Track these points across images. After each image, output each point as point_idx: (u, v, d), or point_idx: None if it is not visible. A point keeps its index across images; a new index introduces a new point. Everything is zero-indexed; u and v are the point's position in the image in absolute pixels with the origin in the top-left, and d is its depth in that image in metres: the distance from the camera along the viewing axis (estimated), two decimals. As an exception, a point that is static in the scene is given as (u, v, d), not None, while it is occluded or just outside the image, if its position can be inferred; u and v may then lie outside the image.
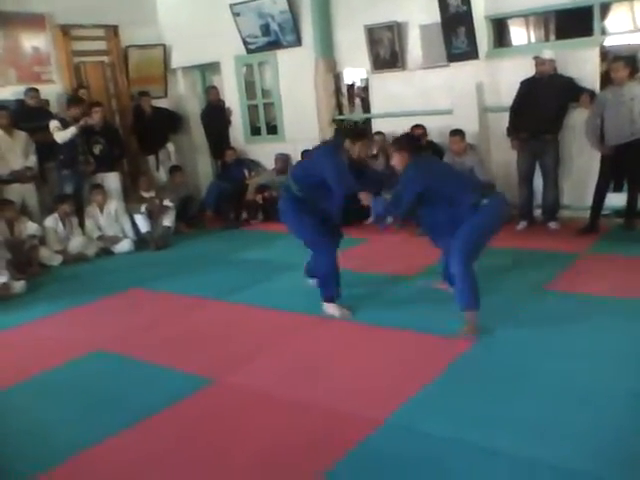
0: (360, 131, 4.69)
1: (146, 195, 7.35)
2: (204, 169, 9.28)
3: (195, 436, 2.95)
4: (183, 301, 5.04)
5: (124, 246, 7.00)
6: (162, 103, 8.87)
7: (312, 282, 4.72)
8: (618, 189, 6.05)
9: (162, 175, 8.30)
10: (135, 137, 8.37)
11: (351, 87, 8.69)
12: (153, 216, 7.24)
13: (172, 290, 5.33)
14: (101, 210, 7.03)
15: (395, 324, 4.03)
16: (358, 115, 7.92)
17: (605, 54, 6.29)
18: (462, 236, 3.70)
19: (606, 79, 6.02)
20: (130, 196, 7.60)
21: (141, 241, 7.11)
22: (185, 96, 9.25)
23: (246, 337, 4.15)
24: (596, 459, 2.46)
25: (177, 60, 8.99)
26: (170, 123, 8.77)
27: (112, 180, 7.43)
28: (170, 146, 8.59)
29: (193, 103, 9.28)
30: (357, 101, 8.45)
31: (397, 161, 3.99)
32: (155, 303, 5.08)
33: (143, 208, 7.16)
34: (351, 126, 4.81)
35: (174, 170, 8.17)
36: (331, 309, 4.34)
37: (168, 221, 7.30)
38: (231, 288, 5.18)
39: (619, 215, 5.94)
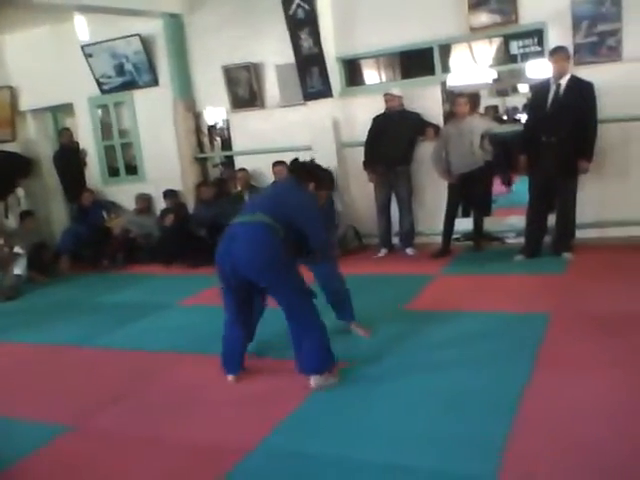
0: (330, 177, 3.95)
1: (-6, 243, 6.84)
2: (58, 214, 8.82)
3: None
4: (39, 350, 4.70)
5: (-31, 298, 6.44)
6: (10, 147, 8.40)
7: None
8: (466, 214, 6.52)
9: (11, 221, 7.80)
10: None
11: (212, 126, 8.75)
12: (2, 265, 6.73)
13: (25, 340, 4.95)
14: (-59, 261, 6.45)
15: (261, 353, 4.01)
16: (219, 153, 7.96)
17: (449, 92, 6.85)
18: None
19: (449, 114, 6.54)
20: (-24, 245, 7.04)
21: (-12, 292, 6.57)
22: (36, 139, 8.80)
23: (108, 381, 3.93)
24: (460, 460, 2.59)
25: (26, 102, 8.58)
26: (19, 168, 8.29)
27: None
28: (19, 191, 8.14)
29: (45, 146, 8.85)
30: (217, 140, 8.52)
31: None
32: (6, 355, 4.69)
33: (-10, 256, 6.66)
34: (316, 168, 4.06)
35: (25, 215, 7.71)
36: (326, 379, 3.44)
37: (19, 269, 6.79)
38: (92, 333, 4.91)
39: (468, 238, 6.38)
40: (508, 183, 9.09)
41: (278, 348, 3.98)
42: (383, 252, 6.50)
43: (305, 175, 3.73)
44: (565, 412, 2.88)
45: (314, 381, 3.39)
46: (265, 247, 3.32)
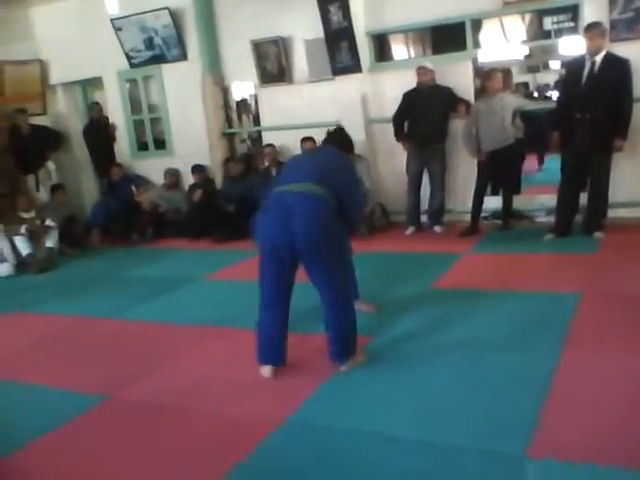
0: (352, 144, 3.92)
1: (26, 216, 6.96)
2: (88, 187, 8.93)
3: (93, 451, 2.82)
4: (72, 321, 4.80)
5: (3, 270, 6.58)
6: (41, 120, 8.47)
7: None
8: (495, 193, 6.45)
9: (43, 195, 7.91)
10: (12, 156, 7.92)
11: (242, 101, 8.74)
12: (34, 237, 6.86)
13: (60, 312, 5.06)
14: (-24, 233, 6.59)
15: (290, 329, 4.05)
16: (247, 128, 7.95)
17: (479, 68, 6.73)
18: None
19: (480, 90, 6.44)
20: (8, 218, 7.16)
21: (22, 264, 6.70)
22: (66, 113, 8.87)
23: (139, 353, 4.00)
24: (481, 437, 2.60)
25: (56, 76, 8.62)
26: (50, 141, 8.38)
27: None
28: (50, 164, 8.23)
29: (75, 120, 8.92)
30: (249, 116, 8.51)
31: None
32: (41, 325, 4.79)
33: (23, 229, 6.78)
34: (341, 134, 3.93)
35: (56, 189, 7.81)
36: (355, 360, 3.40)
37: (51, 242, 6.93)
38: (122, 306, 4.99)
39: (497, 217, 6.32)
40: (541, 160, 8.96)
41: (301, 323, 4.01)
42: (411, 230, 6.47)
43: (346, 144, 3.76)
44: (595, 393, 2.87)
45: (345, 367, 3.35)
46: (325, 221, 3.15)
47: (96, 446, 2.89)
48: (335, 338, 3.31)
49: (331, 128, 4.11)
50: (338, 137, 3.85)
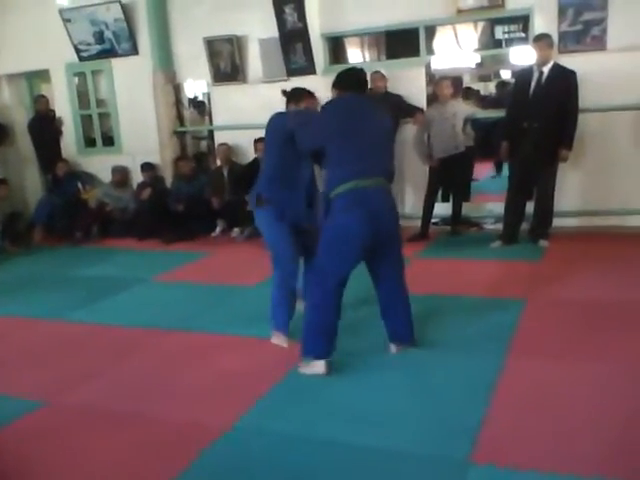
0: (301, 89, 3.81)
1: (-35, 211, 6.70)
2: (32, 183, 8.64)
3: (28, 456, 2.72)
4: (10, 322, 4.63)
5: (-62, 267, 6.31)
6: (-18, 113, 8.17)
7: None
8: (445, 199, 6.52)
9: (-16, 189, 7.60)
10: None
11: (201, 101, 8.59)
12: (-27, 233, 6.60)
13: (-3, 312, 4.88)
14: None
15: (238, 332, 4.00)
16: (199, 127, 7.84)
17: (432, 75, 6.81)
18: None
19: (432, 97, 6.51)
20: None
21: (-41, 261, 6.45)
22: (10, 105, 8.57)
23: (81, 356, 3.88)
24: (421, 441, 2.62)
25: (1, 67, 8.32)
26: (-8, 134, 8.09)
27: None
28: (-8, 158, 7.93)
29: (19, 113, 8.62)
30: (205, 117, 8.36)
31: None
32: (-25, 326, 4.61)
33: (-39, 225, 6.52)
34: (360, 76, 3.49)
35: (-2, 183, 7.52)
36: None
37: (-9, 238, 6.70)
38: (65, 307, 4.83)
39: (446, 223, 6.40)
40: (499, 167, 8.66)
41: (253, 327, 3.98)
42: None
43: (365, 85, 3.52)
44: (538, 398, 2.92)
45: (396, 348, 3.50)
46: (396, 214, 3.40)
47: (32, 451, 2.78)
48: (410, 321, 3.51)
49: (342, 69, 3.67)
50: (361, 80, 3.45)
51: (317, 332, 3.28)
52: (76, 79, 8.16)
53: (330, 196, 3.24)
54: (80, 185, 7.71)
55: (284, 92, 3.85)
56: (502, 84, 10.04)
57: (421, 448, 2.58)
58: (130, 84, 7.69)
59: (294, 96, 3.75)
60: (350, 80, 3.42)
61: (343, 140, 3.25)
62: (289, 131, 3.43)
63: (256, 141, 6.68)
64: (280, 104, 6.74)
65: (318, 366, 3.26)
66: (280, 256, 3.68)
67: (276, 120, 3.64)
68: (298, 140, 3.38)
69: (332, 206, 3.23)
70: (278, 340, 3.72)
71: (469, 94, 9.55)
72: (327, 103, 3.45)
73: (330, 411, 2.94)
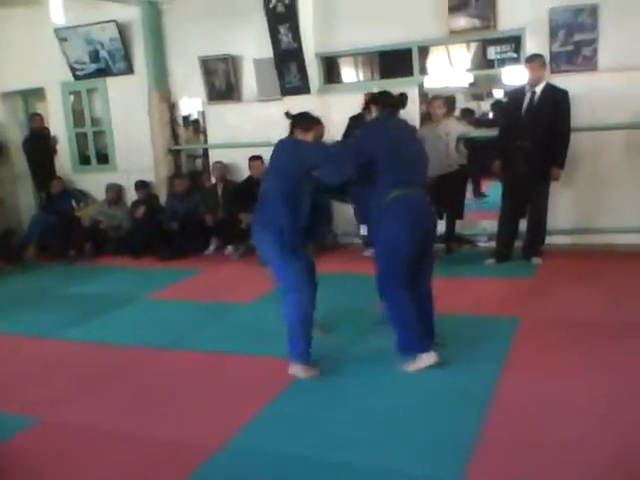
0: (311, 117, 3.76)
1: (-42, 228, 6.68)
2: (26, 201, 8.63)
3: (19, 475, 2.69)
4: (2, 341, 4.59)
5: None
6: (-23, 130, 8.18)
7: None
8: (439, 217, 6.53)
9: (-23, 207, 7.60)
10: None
11: (196, 120, 8.62)
12: (-34, 251, 6.58)
13: (-11, 330, 4.84)
14: None
15: (232, 350, 3.99)
16: (194, 146, 7.88)
17: (425, 94, 6.87)
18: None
19: (425, 116, 6.56)
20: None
21: (-49, 279, 6.41)
22: (5, 123, 8.59)
23: (74, 374, 3.85)
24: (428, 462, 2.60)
25: (-5, 85, 8.37)
26: (-14, 152, 8.10)
27: None
28: (-13, 176, 7.92)
29: (14, 131, 8.65)
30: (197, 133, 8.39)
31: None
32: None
33: (-46, 243, 6.49)
34: (295, 114, 3.73)
35: (-8, 201, 7.52)
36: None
37: (-16, 256, 6.67)
38: (56, 326, 4.81)
39: (440, 241, 6.40)
40: (479, 194, 8.53)
41: (242, 345, 3.96)
42: (369, 252, 6.46)
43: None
44: (533, 415, 2.92)
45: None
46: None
47: (24, 471, 2.75)
48: (433, 322, 3.69)
49: (374, 90, 3.97)
50: (399, 102, 3.69)
51: (410, 328, 3.47)
52: (71, 97, 8.21)
53: (382, 205, 3.40)
54: (74, 203, 7.71)
55: (288, 115, 3.74)
56: (497, 103, 10.14)
57: (415, 467, 2.57)
58: (125, 103, 7.73)
59: (302, 125, 3.67)
60: (392, 99, 3.67)
61: (393, 151, 3.46)
62: (311, 165, 3.48)
63: (251, 159, 6.71)
64: (275, 123, 6.78)
65: (427, 358, 3.45)
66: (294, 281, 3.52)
67: (293, 149, 3.61)
68: (332, 171, 3.49)
69: (384, 215, 3.41)
70: (296, 370, 3.48)
71: (465, 114, 9.65)
72: (375, 119, 3.64)
73: (322, 430, 2.93)
